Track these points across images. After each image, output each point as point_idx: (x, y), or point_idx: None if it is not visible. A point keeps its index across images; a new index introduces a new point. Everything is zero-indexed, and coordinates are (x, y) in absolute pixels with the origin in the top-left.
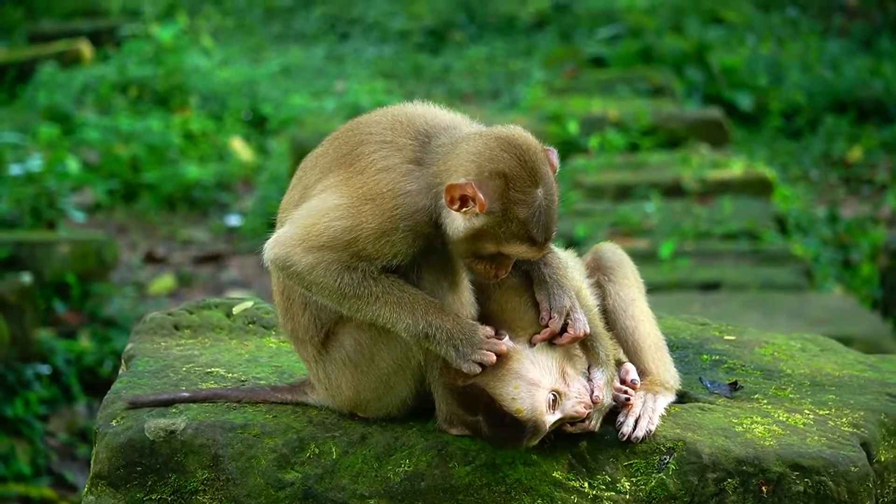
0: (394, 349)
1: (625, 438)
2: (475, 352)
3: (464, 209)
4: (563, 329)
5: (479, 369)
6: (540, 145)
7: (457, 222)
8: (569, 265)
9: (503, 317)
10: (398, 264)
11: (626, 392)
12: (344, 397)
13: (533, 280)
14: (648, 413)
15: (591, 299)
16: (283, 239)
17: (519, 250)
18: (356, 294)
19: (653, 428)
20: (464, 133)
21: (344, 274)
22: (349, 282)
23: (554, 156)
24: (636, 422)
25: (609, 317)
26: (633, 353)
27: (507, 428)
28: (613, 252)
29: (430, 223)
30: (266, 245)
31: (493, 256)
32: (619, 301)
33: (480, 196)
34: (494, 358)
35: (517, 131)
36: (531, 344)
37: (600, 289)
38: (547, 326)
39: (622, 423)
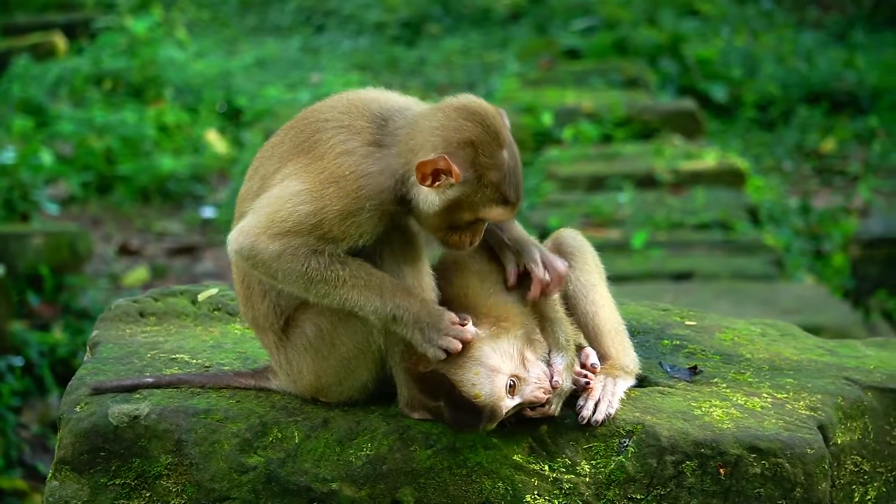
0: (354, 333)
1: (584, 422)
2: (441, 337)
3: (437, 183)
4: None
5: (443, 355)
6: (494, 108)
7: (430, 198)
8: None
9: (465, 302)
10: (363, 245)
11: (585, 376)
12: (305, 382)
13: (495, 249)
14: (608, 397)
15: None
16: (247, 228)
17: (495, 213)
18: (324, 278)
19: (612, 411)
20: (418, 111)
21: (311, 259)
22: (316, 266)
23: (505, 117)
24: (596, 405)
25: (570, 302)
26: (593, 337)
27: (467, 413)
28: (574, 238)
29: (395, 202)
30: (229, 237)
31: (469, 224)
32: (580, 286)
33: (454, 167)
34: (459, 346)
35: (472, 99)
36: (527, 300)
37: None
38: (514, 288)
39: (582, 407)
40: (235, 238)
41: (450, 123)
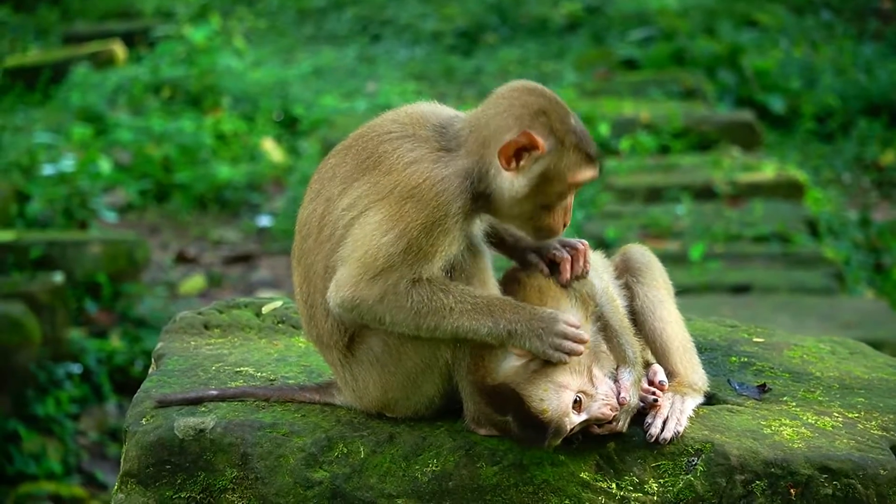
0: (421, 348)
1: (653, 440)
2: (562, 341)
3: (521, 163)
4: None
5: (567, 359)
6: None
7: (517, 182)
8: (598, 265)
9: None
10: (457, 254)
11: (653, 393)
12: (372, 397)
13: (520, 259)
14: (676, 414)
15: (618, 299)
16: (343, 280)
17: (584, 174)
18: (431, 310)
19: (681, 429)
20: (471, 113)
21: (412, 292)
22: (419, 299)
23: None
24: (664, 423)
25: (637, 318)
26: (661, 354)
27: (533, 428)
28: (642, 254)
29: (474, 202)
30: (329, 294)
31: (560, 198)
32: (648, 302)
33: (537, 138)
34: (582, 348)
35: (521, 80)
36: (563, 285)
37: (629, 290)
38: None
39: (650, 425)
40: (335, 294)
41: (514, 103)
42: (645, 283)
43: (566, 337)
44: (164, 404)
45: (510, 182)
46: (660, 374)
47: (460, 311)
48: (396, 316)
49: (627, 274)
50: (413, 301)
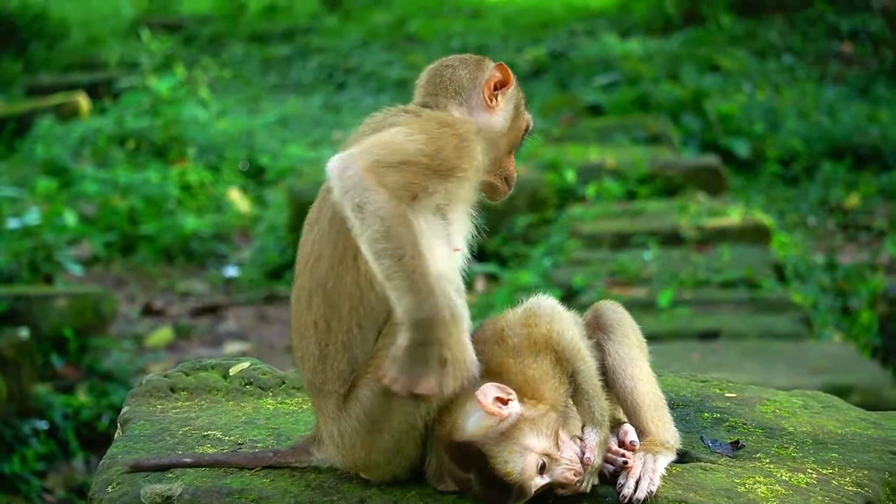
0: (405, 408)
1: (626, 501)
2: (442, 375)
3: (498, 101)
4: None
5: (424, 390)
6: None
7: (498, 117)
8: (568, 322)
9: (501, 376)
10: (471, 191)
11: (623, 455)
12: (356, 457)
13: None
14: (649, 474)
15: (589, 358)
16: (356, 153)
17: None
18: (394, 237)
19: (654, 489)
20: (424, 91)
21: (398, 207)
22: (399, 218)
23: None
24: (637, 483)
25: (609, 376)
26: (632, 412)
27: (496, 489)
28: (614, 310)
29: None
30: (331, 160)
31: (520, 137)
32: (619, 360)
33: (508, 72)
34: (440, 392)
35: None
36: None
37: (600, 348)
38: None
39: (622, 486)
40: (341, 155)
41: (462, 60)
42: (616, 341)
43: (455, 378)
44: (136, 469)
45: (495, 119)
46: (630, 433)
47: (409, 267)
48: (369, 212)
49: (599, 331)
50: (390, 214)
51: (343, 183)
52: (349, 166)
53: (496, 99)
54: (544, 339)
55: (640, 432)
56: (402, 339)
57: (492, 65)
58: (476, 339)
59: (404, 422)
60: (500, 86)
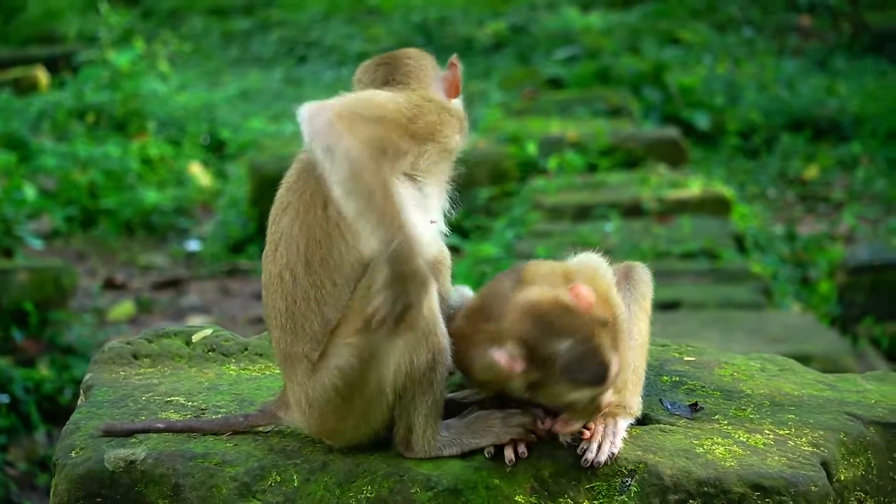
0: (373, 375)
1: (588, 464)
2: (410, 304)
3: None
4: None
5: (392, 320)
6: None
7: (457, 104)
8: (599, 267)
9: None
10: (450, 167)
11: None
12: (323, 425)
13: None
14: (609, 437)
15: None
16: (332, 102)
17: None
18: (364, 175)
19: (615, 451)
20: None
21: (376, 158)
22: (368, 162)
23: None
24: (598, 447)
25: None
26: None
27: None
28: (645, 271)
29: None
30: (304, 105)
31: None
32: (628, 313)
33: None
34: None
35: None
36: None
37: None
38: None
39: (585, 450)
40: (313, 103)
41: (404, 56)
42: (634, 297)
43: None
44: (109, 434)
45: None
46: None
47: (379, 203)
48: (335, 156)
49: (624, 281)
50: (360, 156)
51: (313, 126)
52: (321, 112)
53: (456, 87)
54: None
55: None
56: (380, 278)
57: (428, 56)
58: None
59: (375, 390)
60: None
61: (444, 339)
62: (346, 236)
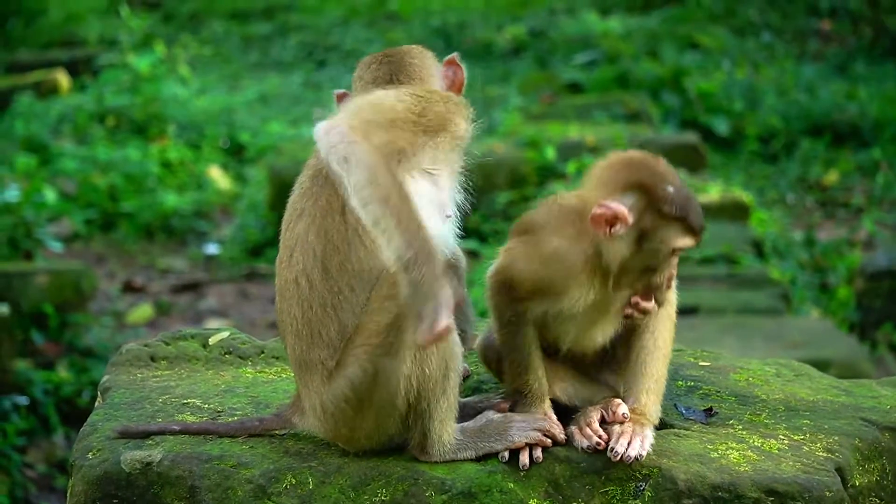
0: (389, 382)
1: (618, 458)
2: (437, 319)
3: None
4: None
5: (431, 339)
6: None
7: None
8: None
9: None
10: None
11: (600, 437)
12: (338, 433)
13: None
14: (640, 437)
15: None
16: (344, 114)
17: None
18: (378, 186)
19: (644, 453)
20: None
21: (391, 162)
22: (384, 168)
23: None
24: (629, 443)
25: (632, 332)
26: (634, 374)
27: None
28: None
29: None
30: (320, 124)
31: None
32: (653, 320)
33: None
34: (444, 332)
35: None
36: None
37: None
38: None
39: (615, 444)
40: (328, 123)
41: (403, 53)
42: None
43: (442, 318)
44: (125, 435)
45: None
46: (623, 407)
47: (395, 209)
48: (350, 164)
49: None
50: (375, 162)
51: (329, 139)
52: (335, 126)
53: (459, 84)
54: None
55: (629, 395)
56: (402, 286)
57: (430, 53)
58: None
59: (388, 399)
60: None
61: (456, 345)
62: (366, 241)
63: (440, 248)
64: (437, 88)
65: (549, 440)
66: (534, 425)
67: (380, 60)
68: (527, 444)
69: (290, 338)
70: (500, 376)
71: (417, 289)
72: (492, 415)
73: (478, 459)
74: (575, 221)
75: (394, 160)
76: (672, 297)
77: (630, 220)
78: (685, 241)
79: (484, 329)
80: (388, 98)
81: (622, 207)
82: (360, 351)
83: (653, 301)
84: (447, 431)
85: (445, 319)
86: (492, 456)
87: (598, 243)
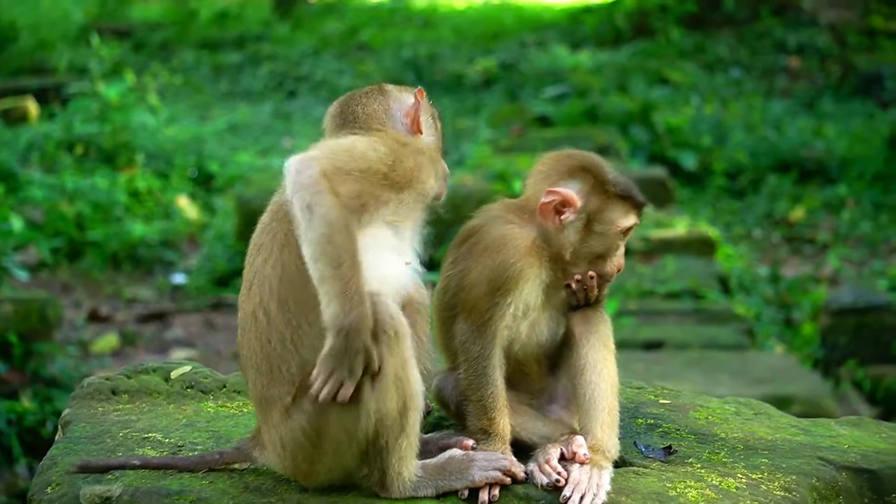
0: (346, 418)
1: None
2: (344, 388)
3: (420, 120)
4: None
5: (340, 398)
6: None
7: (427, 137)
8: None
9: None
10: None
11: (559, 473)
12: (296, 468)
13: None
14: (593, 490)
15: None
16: (314, 155)
17: None
18: (337, 241)
19: (598, 503)
20: None
21: (351, 218)
22: (344, 229)
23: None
24: (582, 498)
25: (577, 369)
26: (587, 409)
27: None
28: (601, 313)
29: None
30: (291, 159)
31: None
32: (595, 354)
33: (422, 93)
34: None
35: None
36: None
37: (578, 342)
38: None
39: (568, 498)
40: (300, 155)
41: (365, 96)
42: (598, 338)
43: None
44: (84, 470)
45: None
46: (583, 446)
47: (345, 274)
48: (313, 215)
49: (585, 325)
50: (336, 220)
51: (298, 180)
52: (308, 167)
53: (418, 123)
54: None
55: (586, 431)
56: (327, 345)
57: (393, 89)
58: None
59: (346, 437)
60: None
61: (416, 384)
62: None
63: (398, 321)
64: (407, 137)
65: (510, 479)
66: (495, 465)
67: (343, 106)
68: (487, 484)
69: (250, 372)
70: (460, 418)
71: (339, 354)
72: (455, 452)
73: (437, 497)
74: (518, 212)
75: (356, 215)
76: (608, 331)
77: (579, 203)
78: (631, 220)
79: (438, 373)
80: (362, 145)
81: (570, 192)
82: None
83: (595, 282)
84: (407, 468)
85: (349, 390)
86: (451, 494)
87: (547, 235)
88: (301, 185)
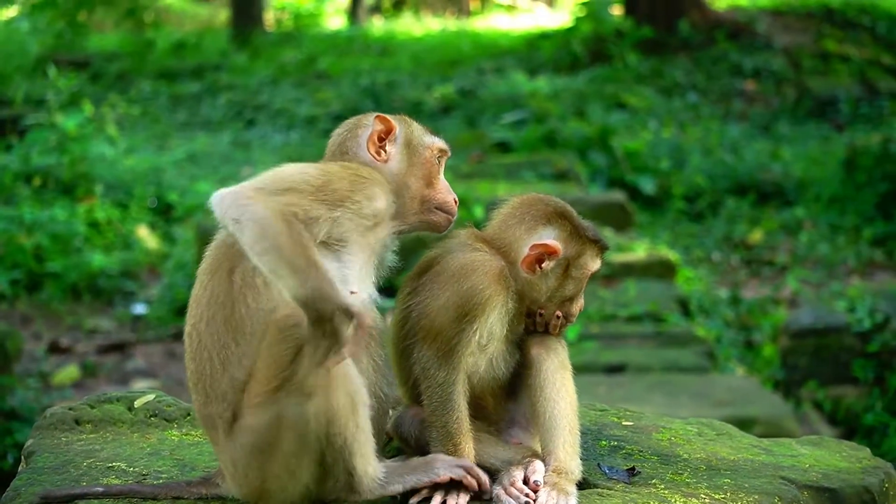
0: (295, 430)
1: None
2: (337, 348)
3: (387, 146)
4: None
5: (334, 363)
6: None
7: (392, 163)
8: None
9: None
10: (378, 239)
11: (527, 495)
12: (251, 486)
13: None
14: None
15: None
16: (241, 183)
17: None
18: (270, 232)
19: None
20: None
21: (285, 221)
22: (273, 219)
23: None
24: None
25: (535, 390)
26: (547, 429)
27: None
28: (558, 339)
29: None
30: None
31: (436, 163)
32: (552, 375)
33: (383, 118)
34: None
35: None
36: None
37: (534, 364)
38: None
39: None
40: (223, 191)
41: (342, 128)
42: (557, 360)
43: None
44: (46, 500)
45: (388, 169)
46: (538, 473)
47: (288, 253)
48: (243, 222)
49: (543, 349)
50: (265, 216)
51: (223, 203)
52: (230, 193)
53: (384, 150)
54: None
55: (548, 453)
56: (307, 324)
57: (370, 119)
58: None
59: (297, 444)
60: (385, 135)
61: (357, 379)
62: (248, 298)
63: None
64: (358, 163)
65: (474, 481)
66: (459, 463)
67: (336, 130)
68: (451, 479)
69: (192, 392)
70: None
71: (317, 324)
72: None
73: (405, 495)
74: (486, 244)
75: (286, 219)
76: (564, 354)
77: (562, 252)
78: (598, 263)
79: (396, 409)
80: (290, 169)
81: (554, 242)
82: (260, 399)
83: (560, 321)
84: (372, 466)
85: (341, 354)
86: (418, 490)
87: (522, 284)
88: (227, 207)
